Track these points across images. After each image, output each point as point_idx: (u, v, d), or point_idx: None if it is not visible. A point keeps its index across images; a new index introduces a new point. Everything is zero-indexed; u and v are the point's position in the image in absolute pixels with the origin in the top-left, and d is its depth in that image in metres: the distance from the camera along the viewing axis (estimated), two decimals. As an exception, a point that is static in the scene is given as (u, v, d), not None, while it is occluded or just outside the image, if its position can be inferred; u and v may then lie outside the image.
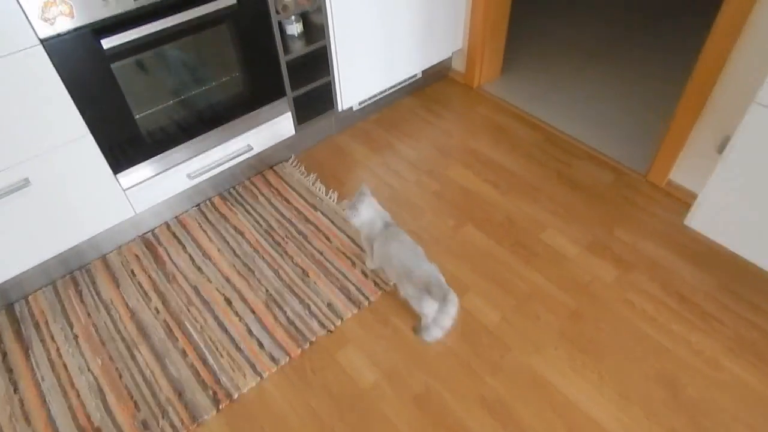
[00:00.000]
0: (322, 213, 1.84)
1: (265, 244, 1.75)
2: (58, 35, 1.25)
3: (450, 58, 2.37)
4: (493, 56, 2.31)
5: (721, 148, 1.64)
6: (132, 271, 1.69)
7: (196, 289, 1.63)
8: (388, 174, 1.98)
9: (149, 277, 1.67)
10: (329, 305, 1.57)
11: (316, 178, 1.98)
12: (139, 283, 1.66)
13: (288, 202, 1.89)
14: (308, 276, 1.65)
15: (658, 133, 2.07)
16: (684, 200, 1.81)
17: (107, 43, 1.30)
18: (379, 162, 2.03)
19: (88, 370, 1.45)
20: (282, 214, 1.84)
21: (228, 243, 1.76)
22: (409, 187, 1.92)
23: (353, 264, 1.67)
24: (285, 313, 1.56)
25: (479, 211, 1.82)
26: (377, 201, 1.52)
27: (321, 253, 1.71)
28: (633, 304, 1.53)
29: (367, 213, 1.50)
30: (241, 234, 1.79)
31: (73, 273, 1.69)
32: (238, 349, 1.48)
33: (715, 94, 1.58)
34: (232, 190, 1.95)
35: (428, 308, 1.36)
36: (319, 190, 1.93)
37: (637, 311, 1.51)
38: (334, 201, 1.88)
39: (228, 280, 1.65)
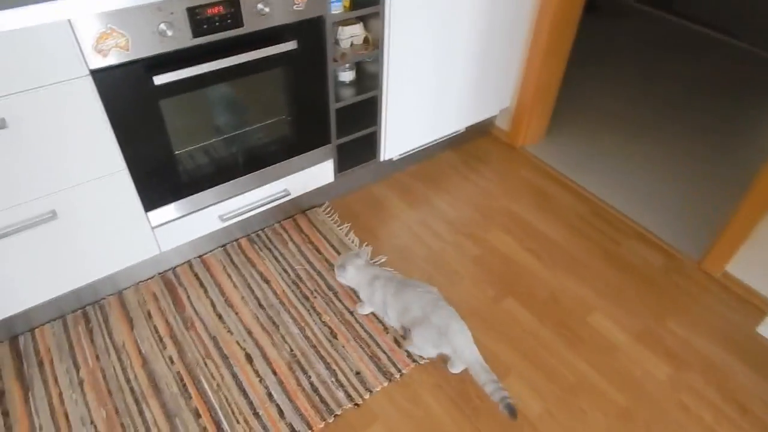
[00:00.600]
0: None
1: (292, 297, 1.64)
2: (110, 68, 1.18)
3: (495, 116, 2.30)
4: (539, 118, 2.24)
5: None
6: (148, 312, 1.59)
7: (215, 340, 1.52)
8: (425, 232, 1.88)
9: (166, 321, 1.56)
10: (357, 374, 1.45)
11: (350, 228, 1.89)
12: (154, 326, 1.55)
13: (319, 251, 1.79)
14: (336, 338, 1.53)
15: (711, 218, 1.97)
16: (742, 296, 1.69)
17: (159, 80, 1.22)
18: (416, 218, 1.94)
19: (91, 422, 1.33)
20: (312, 265, 1.74)
21: (253, 291, 1.65)
22: (447, 249, 1.82)
23: (385, 329, 1.56)
24: (309, 377, 1.43)
25: (521, 283, 1.71)
26: (379, 266, 1.51)
27: (351, 313, 1.60)
28: (688, 409, 1.40)
29: (355, 275, 1.54)
30: (267, 282, 1.68)
31: (86, 308, 1.59)
32: (256, 415, 1.35)
33: (788, 190, 1.48)
34: (261, 232, 1.85)
35: (446, 347, 1.40)
36: (353, 242, 1.83)
37: (693, 417, 1.38)
38: (367, 256, 1.77)
39: (250, 333, 1.54)
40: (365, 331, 1.55)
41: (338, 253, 1.79)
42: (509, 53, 2.02)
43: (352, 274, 1.53)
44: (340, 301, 1.63)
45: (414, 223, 1.92)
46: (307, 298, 1.64)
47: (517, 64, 2.09)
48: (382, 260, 1.76)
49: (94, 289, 1.58)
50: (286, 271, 1.72)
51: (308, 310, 1.61)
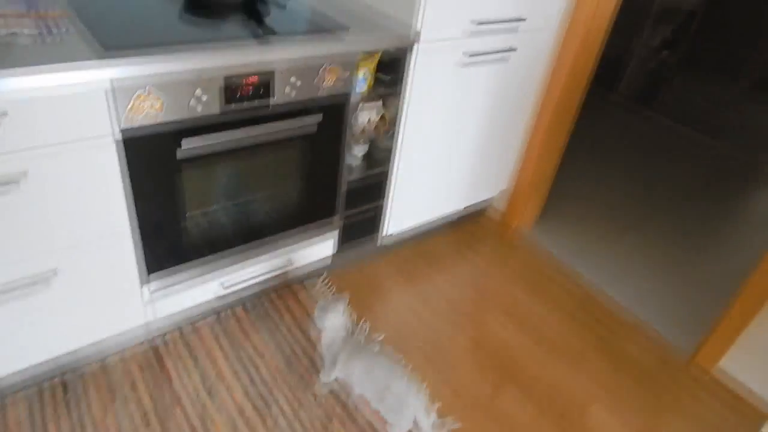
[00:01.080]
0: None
1: (287, 374, 1.55)
2: (139, 128, 1.15)
3: (492, 198, 2.35)
4: (535, 202, 2.30)
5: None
6: (132, 383, 1.47)
7: (202, 419, 1.41)
8: (424, 310, 1.85)
9: (150, 395, 1.45)
10: (356, 464, 1.36)
11: (348, 303, 1.84)
12: (138, 399, 1.43)
13: (316, 326, 1.73)
14: (332, 422, 1.45)
15: (702, 311, 2.02)
16: (736, 392, 1.70)
17: (187, 144, 1.20)
18: (415, 295, 1.91)
19: None
20: (308, 340, 1.67)
21: (245, 366, 1.56)
22: (446, 329, 1.79)
23: (384, 421, 1.48)
24: (304, 466, 1.34)
25: (520, 371, 1.68)
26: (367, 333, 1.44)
27: (348, 395, 1.52)
28: None
29: (335, 320, 1.43)
30: (261, 356, 1.60)
31: (65, 376, 1.46)
32: (246, 508, 1.24)
33: (784, 294, 1.54)
34: (257, 301, 1.78)
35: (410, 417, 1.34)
36: (350, 316, 1.77)
37: None
38: (365, 332, 1.72)
39: (241, 412, 1.44)
40: (365, 420, 1.48)
41: (335, 327, 1.73)
42: (510, 140, 2.10)
43: (331, 321, 1.42)
44: (336, 381, 1.56)
45: (413, 301, 1.89)
46: (302, 377, 1.56)
47: (516, 150, 2.17)
48: (380, 338, 1.71)
49: (75, 356, 1.46)
50: (280, 346, 1.64)
51: (303, 390, 1.52)
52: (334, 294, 1.43)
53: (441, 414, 1.51)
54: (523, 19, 1.72)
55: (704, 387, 1.72)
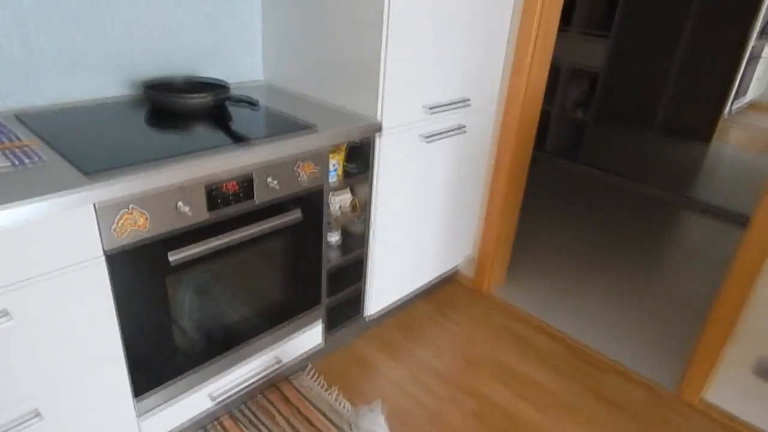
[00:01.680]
0: (353, 437, 1.61)
1: (291, 481, 1.47)
2: (123, 247, 1.13)
3: (459, 264, 2.42)
4: (501, 262, 2.39)
5: (759, 371, 1.68)
6: None
7: None
8: (417, 390, 1.83)
9: None
10: None
11: (339, 392, 1.79)
12: None
13: (311, 423, 1.66)
14: None
15: (678, 346, 2.12)
16: (722, 422, 1.77)
17: (174, 256, 1.19)
18: (405, 374, 1.89)
19: None
20: (306, 440, 1.60)
21: (245, 479, 1.47)
22: (445, 407, 1.77)
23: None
24: None
25: (525, 434, 1.68)
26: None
27: (360, 493, 1.45)
28: None
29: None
30: (260, 466, 1.51)
31: None
32: None
33: (748, 311, 1.65)
34: (243, 407, 1.70)
35: None
36: (345, 408, 1.72)
37: None
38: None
39: None
40: None
41: (331, 422, 1.67)
42: (471, 207, 2.20)
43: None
44: (344, 478, 1.49)
45: (404, 381, 1.86)
46: (308, 480, 1.48)
47: (477, 215, 2.27)
48: (380, 425, 1.66)
49: (52, 502, 1.32)
50: (279, 450, 1.56)
51: (311, 495, 1.44)
52: (367, 406, 1.34)
53: (457, 496, 1.47)
54: (468, 99, 1.87)
55: (696, 422, 1.78)
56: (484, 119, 2.03)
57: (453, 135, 1.89)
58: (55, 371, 1.11)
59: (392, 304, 2.07)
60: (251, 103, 1.46)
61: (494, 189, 2.19)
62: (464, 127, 1.91)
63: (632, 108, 3.77)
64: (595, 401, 1.83)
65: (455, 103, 1.83)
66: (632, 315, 2.31)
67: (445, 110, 1.81)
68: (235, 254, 1.39)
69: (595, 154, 4.01)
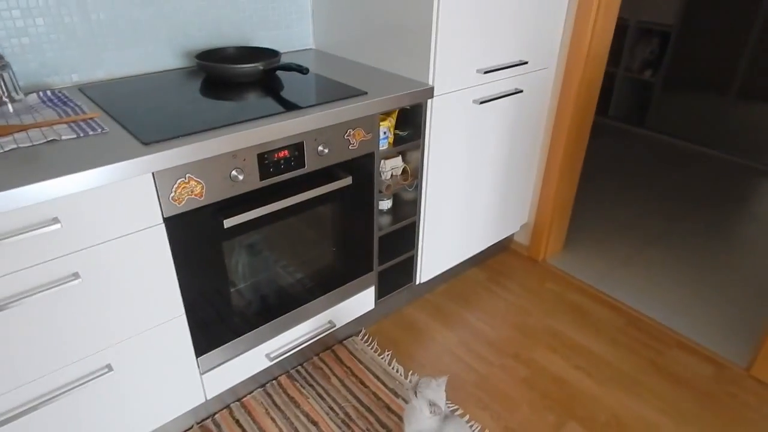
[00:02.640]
0: (405, 401, 1.64)
1: (345, 440, 1.52)
2: (182, 214, 1.18)
3: (515, 232, 2.37)
4: (558, 231, 2.31)
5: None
6: (189, 471, 1.44)
7: (268, 498, 1.37)
8: (468, 355, 1.83)
9: (210, 479, 1.42)
10: None
11: (392, 356, 1.82)
12: (197, 487, 1.40)
13: (364, 384, 1.70)
14: (400, 484, 1.41)
15: (749, 322, 2.00)
16: (798, 401, 1.67)
17: (229, 223, 1.22)
18: (456, 341, 1.89)
19: None
20: (360, 401, 1.64)
21: (301, 436, 1.53)
22: (496, 372, 1.76)
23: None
24: None
25: (579, 405, 1.65)
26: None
27: (411, 454, 1.48)
28: None
29: (443, 405, 1.30)
30: (315, 424, 1.57)
31: (119, 471, 1.43)
32: None
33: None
34: (300, 368, 1.76)
35: None
36: (398, 372, 1.75)
37: None
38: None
39: (305, 486, 1.40)
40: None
41: (384, 384, 1.70)
42: (527, 173, 2.13)
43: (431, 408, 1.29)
44: (396, 440, 1.53)
45: (455, 346, 1.87)
46: (360, 440, 1.53)
47: (533, 183, 2.20)
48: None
49: (128, 448, 1.43)
50: (333, 410, 1.61)
51: (364, 454, 1.49)
52: (434, 377, 1.33)
53: (508, 462, 1.47)
54: (526, 62, 1.79)
55: (766, 400, 1.69)
56: (542, 81, 1.93)
57: (508, 98, 1.82)
58: (123, 329, 1.19)
59: (444, 271, 2.07)
60: (301, 70, 1.46)
61: (552, 155, 2.11)
62: (520, 90, 1.83)
63: (707, 69, 3.48)
64: (656, 375, 1.77)
65: (511, 65, 1.75)
66: (699, 289, 2.19)
67: (500, 73, 1.74)
68: (287, 220, 1.42)
69: (664, 119, 3.76)
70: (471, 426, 1.57)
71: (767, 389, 1.72)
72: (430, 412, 1.29)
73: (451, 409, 1.62)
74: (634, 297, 2.13)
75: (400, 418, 1.58)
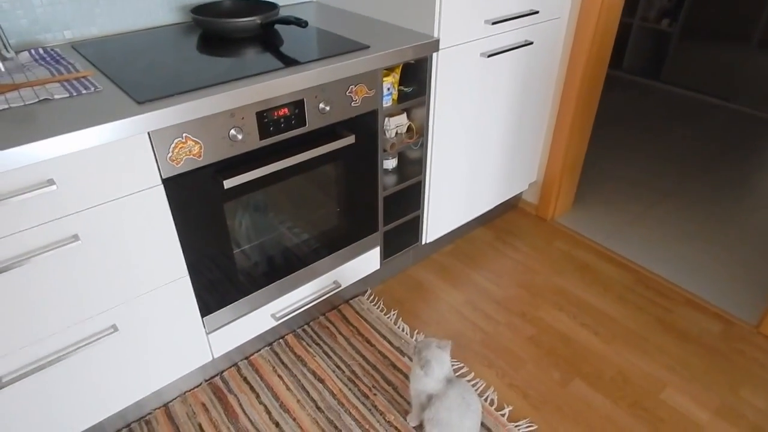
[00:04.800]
0: (410, 359, 1.66)
1: (351, 396, 1.54)
2: (180, 175, 1.15)
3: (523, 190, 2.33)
4: (567, 189, 2.27)
5: None
6: (199, 425, 1.47)
7: (276, 452, 1.40)
8: (474, 314, 1.83)
9: (220, 434, 1.45)
10: (437, 481, 1.34)
11: (398, 316, 1.83)
12: (208, 441, 1.43)
13: (370, 343, 1.72)
14: (406, 439, 1.43)
15: (761, 280, 1.97)
16: (807, 357, 1.66)
17: (229, 183, 1.20)
18: (463, 300, 1.89)
19: None
20: (365, 359, 1.66)
21: (308, 392, 1.55)
22: (502, 331, 1.76)
23: (457, 426, 1.46)
24: (385, 489, 1.32)
25: (585, 362, 1.65)
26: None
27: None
28: (793, 491, 1.32)
29: (439, 371, 1.31)
30: (322, 381, 1.59)
31: (131, 426, 1.46)
32: None
33: None
34: (306, 327, 1.77)
35: None
36: (403, 330, 1.76)
37: (800, 500, 1.30)
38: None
39: (313, 441, 1.43)
40: None
41: (390, 343, 1.71)
42: (537, 130, 2.07)
43: (438, 371, 1.30)
44: (401, 396, 1.54)
45: (461, 305, 1.87)
46: (366, 396, 1.54)
47: (542, 141, 2.14)
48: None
49: (138, 404, 1.46)
50: (339, 368, 1.63)
51: (370, 410, 1.51)
52: (438, 340, 1.33)
53: (513, 418, 1.49)
54: (537, 12, 1.70)
55: (774, 355, 1.68)
56: (554, 32, 1.85)
57: (518, 51, 1.75)
58: (126, 290, 1.19)
59: (451, 230, 2.04)
60: (300, 24, 1.40)
61: (563, 110, 2.04)
62: (530, 41, 1.76)
63: (727, 19, 3.32)
64: (664, 332, 1.76)
65: (521, 15, 1.67)
66: (711, 247, 2.15)
67: (509, 24, 1.66)
68: (290, 180, 1.39)
69: (681, 71, 3.62)
70: (475, 384, 1.58)
71: (776, 346, 1.71)
72: (421, 369, 1.30)
73: (456, 367, 1.63)
74: (644, 255, 2.10)
75: (406, 376, 1.59)
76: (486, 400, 1.54)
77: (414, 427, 1.45)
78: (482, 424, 1.46)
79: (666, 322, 1.80)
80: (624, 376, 1.61)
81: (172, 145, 1.11)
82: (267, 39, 1.45)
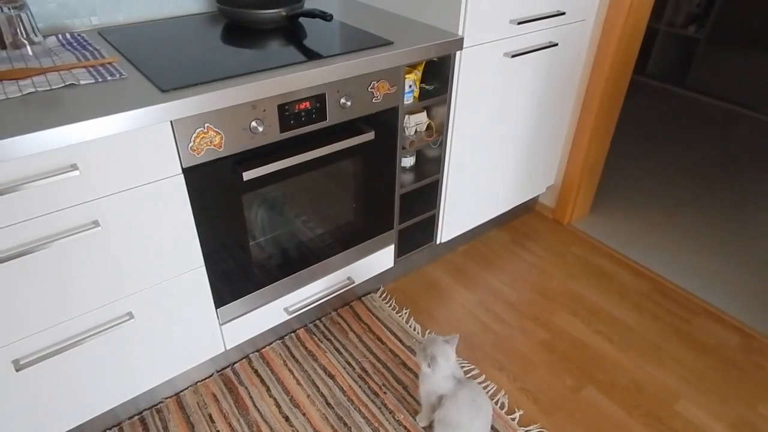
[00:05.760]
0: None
1: (361, 394, 1.54)
2: (200, 165, 1.16)
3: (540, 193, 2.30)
4: (585, 194, 2.24)
5: None
6: (210, 416, 1.47)
7: (285, 446, 1.40)
8: (487, 316, 1.81)
9: (230, 424, 1.45)
10: (445, 482, 1.33)
11: (409, 314, 1.82)
12: (217, 431, 1.43)
13: (381, 341, 1.71)
14: (414, 439, 1.43)
15: (776, 291, 1.93)
16: (828, 375, 1.62)
17: (248, 175, 1.20)
18: (475, 300, 1.88)
19: None
20: (376, 357, 1.65)
21: (318, 388, 1.55)
22: (515, 334, 1.75)
23: (466, 428, 1.45)
24: (393, 488, 1.32)
25: (598, 370, 1.63)
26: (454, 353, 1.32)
27: (427, 411, 1.50)
28: None
29: (446, 368, 1.30)
30: (332, 377, 1.58)
31: (143, 414, 1.47)
32: None
33: None
34: (318, 322, 1.77)
35: None
36: (415, 330, 1.75)
37: None
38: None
39: (321, 436, 1.43)
40: None
41: (400, 341, 1.71)
42: (557, 132, 2.05)
43: (444, 367, 1.30)
44: (411, 396, 1.53)
45: (474, 306, 1.85)
46: (376, 394, 1.54)
47: (561, 144, 2.12)
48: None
49: (150, 393, 1.47)
50: (350, 364, 1.63)
51: (379, 408, 1.50)
52: (443, 337, 1.32)
53: (523, 423, 1.47)
54: (563, 13, 1.68)
55: (793, 371, 1.64)
56: (579, 34, 1.82)
57: (542, 52, 1.73)
58: (143, 278, 1.19)
59: (466, 231, 2.03)
60: (325, 17, 1.39)
61: (584, 114, 2.01)
62: (555, 43, 1.73)
63: (756, 25, 3.25)
64: (680, 343, 1.73)
65: (548, 17, 1.65)
66: (731, 259, 2.11)
67: (535, 24, 1.64)
68: (308, 174, 1.39)
69: (706, 78, 3.56)
70: (486, 386, 1.57)
71: (796, 362, 1.67)
72: (427, 366, 1.29)
73: (467, 368, 1.62)
74: (661, 263, 2.07)
75: (416, 375, 1.58)
76: (497, 403, 1.52)
77: (423, 428, 1.44)
78: (492, 428, 1.44)
79: (683, 333, 1.77)
80: (638, 385, 1.58)
81: (194, 135, 1.11)
82: (291, 31, 1.45)
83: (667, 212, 2.38)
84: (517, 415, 1.49)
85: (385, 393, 1.54)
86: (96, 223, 1.05)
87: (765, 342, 1.74)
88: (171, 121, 1.06)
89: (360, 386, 1.56)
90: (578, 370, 1.63)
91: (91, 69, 1.14)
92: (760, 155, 2.89)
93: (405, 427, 1.45)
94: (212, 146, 1.15)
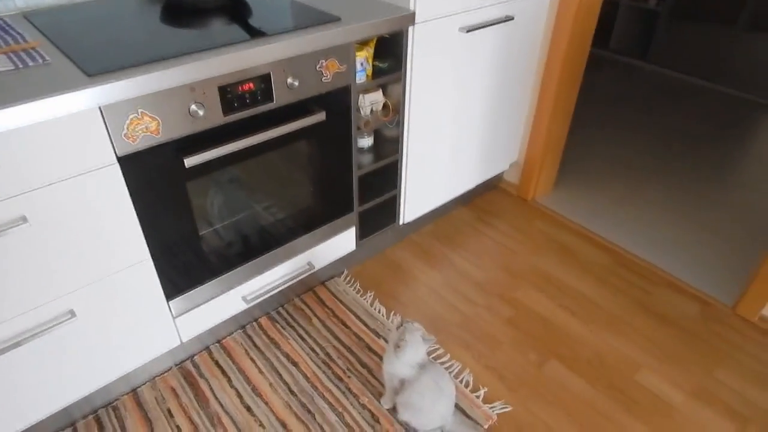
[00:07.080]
0: (386, 341, 1.63)
1: (325, 379, 1.52)
2: (137, 153, 1.10)
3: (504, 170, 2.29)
4: (549, 170, 2.23)
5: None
6: (169, 411, 1.44)
7: (247, 437, 1.38)
8: (453, 295, 1.80)
9: (190, 419, 1.42)
10: (409, 464, 1.32)
11: (374, 297, 1.80)
12: (177, 426, 1.40)
13: (345, 325, 1.69)
14: (379, 422, 1.41)
15: (740, 263, 1.96)
16: (783, 338, 1.66)
17: (190, 162, 1.15)
18: (441, 281, 1.86)
19: None
20: (341, 341, 1.63)
21: (281, 376, 1.52)
22: (480, 312, 1.74)
23: (431, 409, 1.44)
24: (357, 473, 1.30)
25: (561, 344, 1.64)
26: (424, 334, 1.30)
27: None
28: (763, 471, 1.32)
29: (414, 355, 1.28)
30: (296, 365, 1.56)
31: (98, 412, 1.43)
32: None
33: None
34: (281, 309, 1.74)
35: None
36: (380, 312, 1.73)
37: (771, 480, 1.30)
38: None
39: (284, 425, 1.40)
40: (409, 412, 1.44)
41: (365, 325, 1.69)
42: (518, 108, 2.03)
43: (410, 357, 1.28)
44: (376, 378, 1.52)
45: (439, 287, 1.84)
46: (340, 379, 1.52)
47: (523, 119, 2.10)
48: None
49: (106, 390, 1.43)
50: (314, 350, 1.60)
51: (344, 393, 1.48)
52: (409, 322, 1.30)
53: (488, 400, 1.47)
54: (517, -18, 1.65)
55: (750, 338, 1.67)
56: (536, 7, 1.79)
57: (498, 26, 1.69)
58: (83, 274, 1.14)
59: (429, 211, 2.01)
60: (268, -7, 1.33)
61: (544, 88, 1.99)
62: (511, 17, 1.70)
63: (716, 1, 3.27)
64: (642, 314, 1.75)
65: (501, -13, 1.61)
66: (692, 229, 2.14)
67: (488, -4, 1.60)
68: (259, 158, 1.34)
69: (668, 52, 3.58)
70: (451, 366, 1.56)
71: (752, 327, 1.70)
72: (394, 349, 1.29)
73: (432, 348, 1.61)
74: (625, 237, 2.08)
75: (381, 358, 1.57)
76: (461, 381, 1.52)
77: (388, 410, 1.43)
78: (457, 406, 1.44)
79: (645, 304, 1.79)
80: (601, 358, 1.60)
81: (127, 122, 1.05)
82: (234, 10, 1.38)
83: (629, 186, 2.40)
84: (481, 392, 1.49)
85: (349, 377, 1.52)
86: (23, 219, 0.99)
87: (722, 310, 1.77)
88: (100, 108, 1.00)
89: (324, 372, 1.54)
90: (542, 345, 1.63)
91: (12, 54, 1.06)
92: (719, 126, 2.92)
93: (369, 411, 1.44)
94: (149, 132, 1.09)
